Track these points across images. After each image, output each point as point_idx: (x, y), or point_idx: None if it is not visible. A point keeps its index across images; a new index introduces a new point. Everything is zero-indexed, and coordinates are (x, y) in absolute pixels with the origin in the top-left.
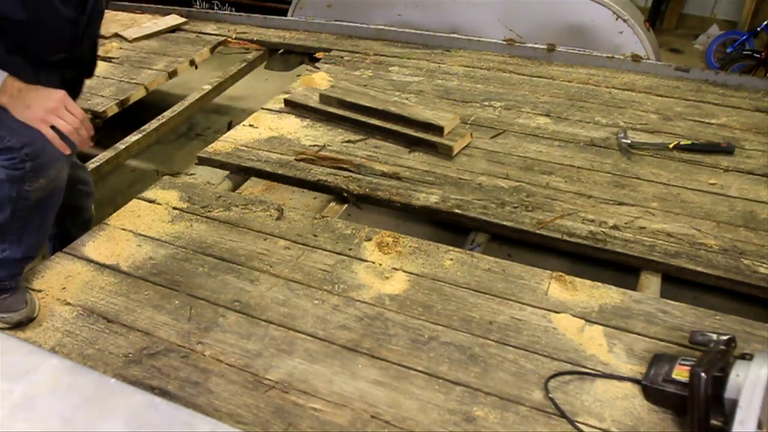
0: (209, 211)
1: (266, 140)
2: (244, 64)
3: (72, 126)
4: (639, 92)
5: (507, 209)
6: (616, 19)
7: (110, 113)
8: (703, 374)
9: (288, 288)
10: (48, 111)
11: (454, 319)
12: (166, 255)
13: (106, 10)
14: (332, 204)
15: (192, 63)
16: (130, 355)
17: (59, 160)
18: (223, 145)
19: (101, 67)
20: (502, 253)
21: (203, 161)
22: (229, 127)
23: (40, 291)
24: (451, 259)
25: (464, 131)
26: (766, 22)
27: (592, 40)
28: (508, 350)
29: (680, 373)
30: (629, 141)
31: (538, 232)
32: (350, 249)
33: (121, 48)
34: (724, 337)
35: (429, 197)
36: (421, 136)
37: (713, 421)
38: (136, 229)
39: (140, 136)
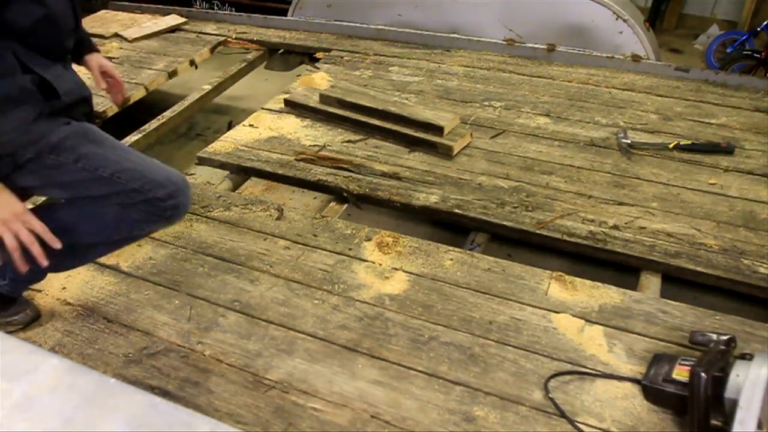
0: (209, 211)
1: (266, 140)
2: (244, 64)
3: (26, 242)
4: (639, 92)
5: (507, 209)
6: (616, 19)
7: (110, 113)
8: (703, 374)
9: (288, 288)
10: (2, 222)
11: (454, 319)
12: (166, 255)
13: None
14: (332, 204)
15: (192, 63)
16: (130, 354)
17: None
18: (223, 145)
19: None
20: (502, 253)
21: (203, 161)
22: (229, 127)
23: (40, 291)
24: (451, 259)
25: (464, 131)
26: (766, 22)
27: (592, 40)
28: (508, 350)
29: (680, 373)
30: (629, 141)
31: (538, 232)
32: (350, 249)
33: (121, 48)
34: (724, 337)
35: (429, 197)
36: (421, 136)
37: (713, 421)
38: None
39: (140, 136)
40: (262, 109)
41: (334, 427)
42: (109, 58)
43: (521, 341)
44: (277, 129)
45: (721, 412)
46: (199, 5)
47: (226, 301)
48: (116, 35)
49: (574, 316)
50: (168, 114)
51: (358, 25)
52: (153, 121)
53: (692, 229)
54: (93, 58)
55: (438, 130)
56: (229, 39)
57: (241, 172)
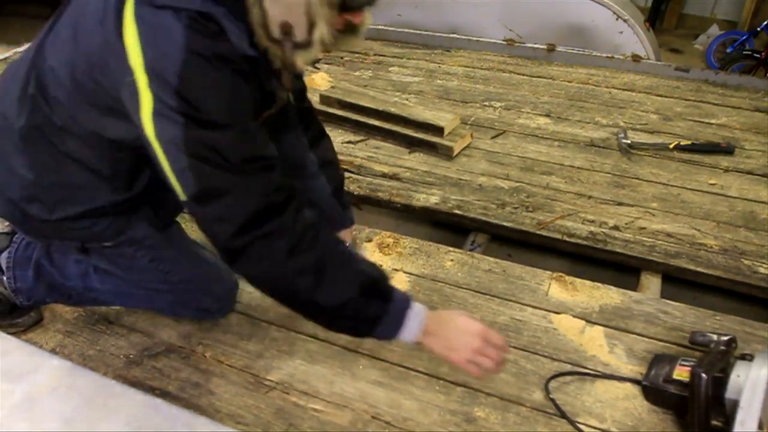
0: None
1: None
2: None
3: (495, 362)
4: (639, 92)
5: (507, 210)
6: (616, 19)
7: None
8: (703, 375)
9: None
10: (474, 351)
11: None
12: None
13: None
14: None
15: None
16: (131, 356)
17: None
18: None
19: None
20: (503, 254)
21: None
22: None
23: None
24: (452, 260)
25: (464, 132)
26: (766, 22)
27: (592, 40)
28: (509, 351)
29: (680, 373)
30: (629, 141)
31: (538, 232)
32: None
33: None
34: (725, 338)
35: (429, 198)
36: (421, 137)
37: (713, 422)
38: None
39: None
40: None
41: (335, 427)
42: None
43: (522, 342)
44: None
45: (722, 413)
46: None
47: None
48: None
49: (574, 316)
50: None
51: None
52: None
53: (692, 229)
54: (347, 234)
55: (438, 130)
56: None
57: None
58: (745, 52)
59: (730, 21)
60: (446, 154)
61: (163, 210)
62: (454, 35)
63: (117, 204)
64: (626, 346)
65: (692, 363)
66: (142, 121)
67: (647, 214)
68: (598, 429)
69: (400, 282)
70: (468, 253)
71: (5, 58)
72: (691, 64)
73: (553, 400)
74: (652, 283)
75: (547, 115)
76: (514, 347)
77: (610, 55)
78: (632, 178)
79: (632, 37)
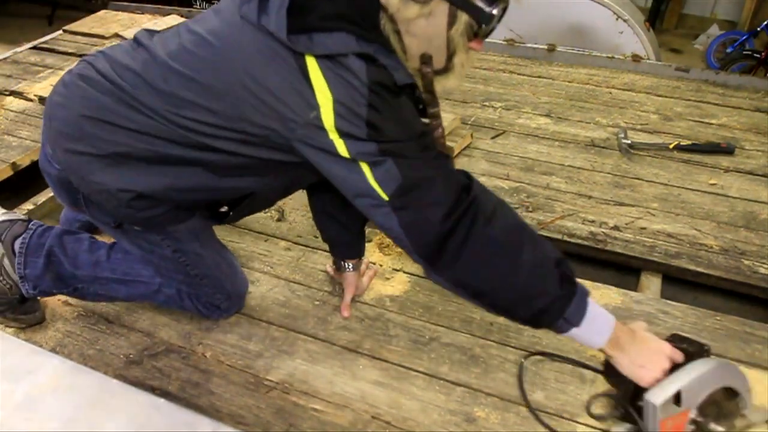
0: None
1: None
2: None
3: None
4: (639, 92)
5: None
6: (616, 19)
7: None
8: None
9: (289, 289)
10: (664, 372)
11: (454, 320)
12: None
13: (106, 11)
14: None
15: None
16: (131, 355)
17: None
18: None
19: None
20: None
21: None
22: None
23: None
24: None
25: (464, 132)
26: (766, 22)
27: (592, 40)
28: (509, 351)
29: None
30: (629, 141)
31: (538, 232)
32: None
33: None
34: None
35: None
36: None
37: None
38: None
39: None
40: None
41: (335, 427)
42: None
43: (522, 342)
44: None
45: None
46: (199, 5)
47: None
48: (116, 35)
49: None
50: None
51: None
52: None
53: (693, 229)
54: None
55: None
56: None
57: None
58: (745, 52)
59: (730, 21)
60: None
61: (216, 212)
62: None
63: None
64: None
65: None
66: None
67: (647, 214)
68: (598, 429)
69: (400, 282)
70: None
71: (5, 58)
72: (691, 64)
73: (520, 379)
74: (652, 283)
75: (548, 115)
76: (515, 347)
77: (610, 55)
78: (632, 178)
79: (632, 37)
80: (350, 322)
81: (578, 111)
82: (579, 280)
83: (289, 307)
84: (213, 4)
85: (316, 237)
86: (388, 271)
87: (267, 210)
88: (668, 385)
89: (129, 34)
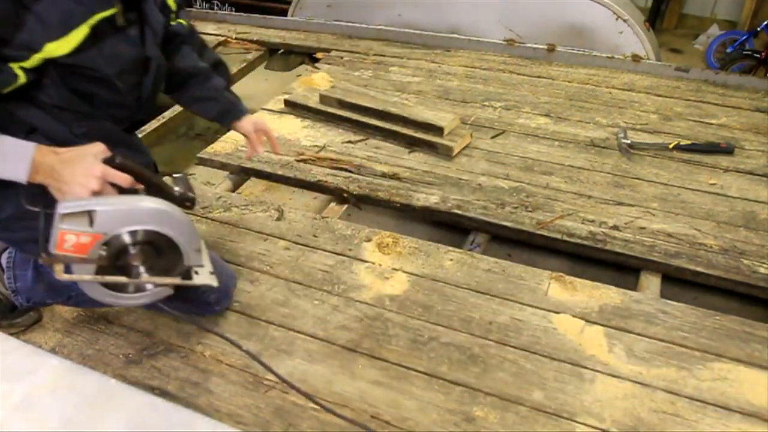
0: (209, 212)
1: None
2: (244, 64)
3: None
4: (639, 92)
5: (507, 209)
6: (616, 19)
7: None
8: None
9: (288, 288)
10: (90, 192)
11: (454, 320)
12: None
13: None
14: (332, 204)
15: None
16: (131, 355)
17: None
18: (223, 145)
19: None
20: (502, 254)
21: (203, 162)
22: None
23: None
24: (451, 260)
25: (464, 131)
26: (766, 22)
27: (592, 40)
28: (508, 350)
29: None
30: (629, 141)
31: (538, 232)
32: (350, 249)
33: None
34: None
35: (429, 198)
36: (421, 137)
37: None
38: None
39: (140, 136)
40: (262, 109)
41: (334, 427)
42: None
43: (521, 342)
44: (277, 129)
45: None
46: (199, 5)
47: None
48: None
49: (574, 316)
50: (168, 114)
51: (358, 25)
52: (153, 121)
53: (692, 229)
54: (248, 122)
55: (438, 130)
56: (229, 39)
57: (241, 173)
58: (745, 52)
59: (730, 21)
60: (446, 154)
61: None
62: (454, 35)
63: None
64: (626, 346)
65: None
66: None
67: (647, 214)
68: (598, 429)
69: (399, 282)
70: (468, 252)
71: None
72: (691, 64)
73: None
74: (651, 283)
75: (547, 115)
76: (514, 347)
77: (610, 55)
78: (632, 178)
79: (632, 37)
80: (349, 321)
81: (578, 111)
82: (577, 279)
83: (288, 307)
84: (213, 4)
85: (316, 237)
86: (387, 271)
87: (266, 209)
88: (83, 202)
89: None
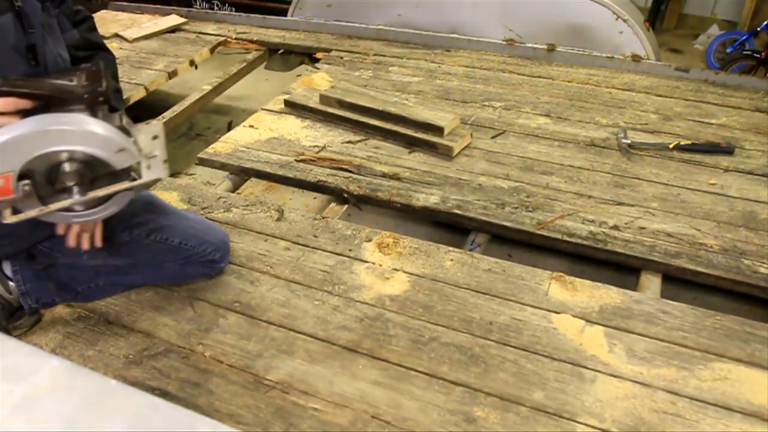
0: (209, 212)
1: (266, 141)
2: (244, 64)
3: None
4: (639, 92)
5: (507, 210)
6: (616, 19)
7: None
8: None
9: (288, 289)
10: None
11: (454, 320)
12: None
13: (106, 11)
14: (332, 205)
15: (192, 63)
16: (131, 356)
17: None
18: (223, 146)
19: None
20: (502, 254)
21: (203, 162)
22: (229, 127)
23: None
24: (452, 260)
25: (464, 131)
26: (766, 22)
27: (592, 40)
28: (509, 351)
29: None
30: (629, 141)
31: (538, 232)
32: (350, 250)
33: (121, 48)
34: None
35: (429, 198)
36: (421, 137)
37: None
38: None
39: None
40: (262, 109)
41: (335, 427)
42: None
43: (522, 342)
44: (277, 130)
45: None
46: (199, 5)
47: (226, 302)
48: (116, 35)
49: (574, 316)
50: (168, 114)
51: (358, 25)
52: (153, 121)
53: (692, 229)
54: None
55: (438, 130)
56: (229, 39)
57: (241, 173)
58: (745, 52)
59: (730, 21)
60: (446, 154)
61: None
62: (454, 35)
63: None
64: (626, 346)
65: None
66: None
67: (647, 214)
68: (598, 429)
69: (399, 282)
70: (468, 253)
71: None
72: (691, 64)
73: None
74: (652, 282)
75: (547, 115)
76: (514, 347)
77: (610, 55)
78: (632, 178)
79: (632, 37)
80: (350, 321)
81: (578, 111)
82: (577, 279)
83: (289, 307)
84: (213, 4)
85: (316, 237)
86: (387, 271)
87: (266, 210)
88: None
89: (129, 34)
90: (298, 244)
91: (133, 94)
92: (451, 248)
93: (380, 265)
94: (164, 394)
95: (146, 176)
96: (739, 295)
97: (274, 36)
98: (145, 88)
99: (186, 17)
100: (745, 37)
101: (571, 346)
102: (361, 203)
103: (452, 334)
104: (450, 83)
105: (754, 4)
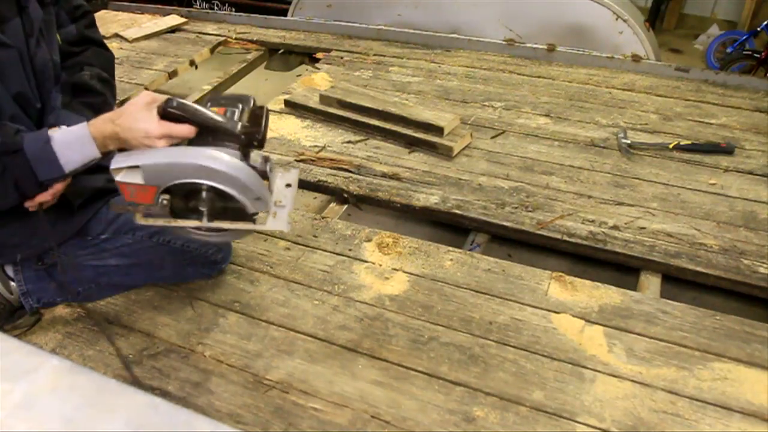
0: None
1: (266, 141)
2: (244, 64)
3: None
4: (639, 92)
5: (507, 209)
6: (616, 19)
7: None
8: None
9: (288, 288)
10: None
11: (454, 320)
12: None
13: (106, 11)
14: (332, 204)
15: (192, 63)
16: (131, 355)
17: None
18: None
19: None
20: (502, 254)
21: None
22: None
23: None
24: (451, 260)
25: (464, 132)
26: (766, 22)
27: (592, 40)
28: (508, 350)
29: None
30: (629, 141)
31: (538, 232)
32: (350, 250)
33: (121, 48)
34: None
35: (429, 198)
36: (421, 137)
37: None
38: None
39: None
40: None
41: (335, 427)
42: None
43: (521, 341)
44: (277, 130)
45: None
46: (199, 5)
47: (226, 302)
48: (116, 35)
49: (574, 316)
50: None
51: (358, 25)
52: None
53: (692, 229)
54: None
55: (438, 130)
56: (229, 39)
57: None
58: (745, 52)
59: (730, 21)
60: (446, 154)
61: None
62: (454, 35)
63: None
64: (626, 346)
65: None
66: None
67: (647, 214)
68: (598, 429)
69: (399, 281)
70: (468, 252)
71: None
72: (691, 64)
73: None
74: (651, 282)
75: (547, 115)
76: (514, 347)
77: (610, 55)
78: (632, 178)
79: (632, 37)
80: (349, 321)
81: (578, 111)
82: (577, 279)
83: (289, 307)
84: (213, 4)
85: (316, 237)
86: (387, 271)
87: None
88: (130, 158)
89: (129, 34)
90: (298, 243)
91: (133, 94)
92: (450, 248)
93: (380, 265)
94: (164, 394)
95: (269, 225)
96: (739, 295)
97: (274, 36)
98: (145, 88)
99: (186, 17)
100: (745, 37)
101: (571, 346)
102: (361, 203)
103: (452, 334)
104: (450, 83)
105: (754, 4)
